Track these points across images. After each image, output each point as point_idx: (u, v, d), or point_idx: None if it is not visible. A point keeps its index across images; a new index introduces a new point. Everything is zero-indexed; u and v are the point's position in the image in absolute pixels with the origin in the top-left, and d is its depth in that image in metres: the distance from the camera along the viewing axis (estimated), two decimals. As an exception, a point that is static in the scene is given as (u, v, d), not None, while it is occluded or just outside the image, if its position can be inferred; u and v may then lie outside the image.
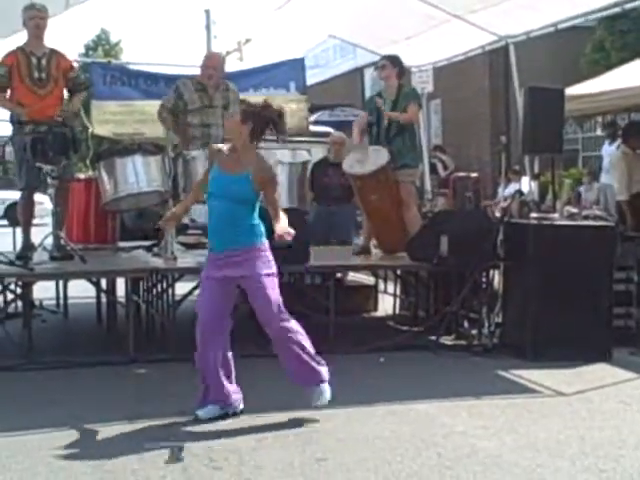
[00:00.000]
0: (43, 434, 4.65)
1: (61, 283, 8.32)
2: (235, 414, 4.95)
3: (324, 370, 5.01)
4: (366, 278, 9.24)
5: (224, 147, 5.08)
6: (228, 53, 26.12)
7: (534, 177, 10.91)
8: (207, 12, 31.25)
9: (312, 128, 11.48)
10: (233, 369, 4.99)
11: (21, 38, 7.23)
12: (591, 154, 17.91)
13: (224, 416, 4.91)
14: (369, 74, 24.28)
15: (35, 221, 7.28)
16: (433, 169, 14.46)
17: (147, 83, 10.20)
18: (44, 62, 7.02)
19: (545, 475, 4.16)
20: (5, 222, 18.74)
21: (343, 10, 10.03)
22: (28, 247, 7.01)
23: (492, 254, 6.91)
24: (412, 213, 7.69)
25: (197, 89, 7.51)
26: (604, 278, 6.68)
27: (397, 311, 8.52)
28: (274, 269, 4.91)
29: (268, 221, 4.96)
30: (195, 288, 6.30)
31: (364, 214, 8.01)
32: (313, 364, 4.96)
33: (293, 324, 4.91)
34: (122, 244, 8.18)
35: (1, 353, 6.21)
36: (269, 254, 4.91)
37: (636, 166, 8.50)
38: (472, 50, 10.39)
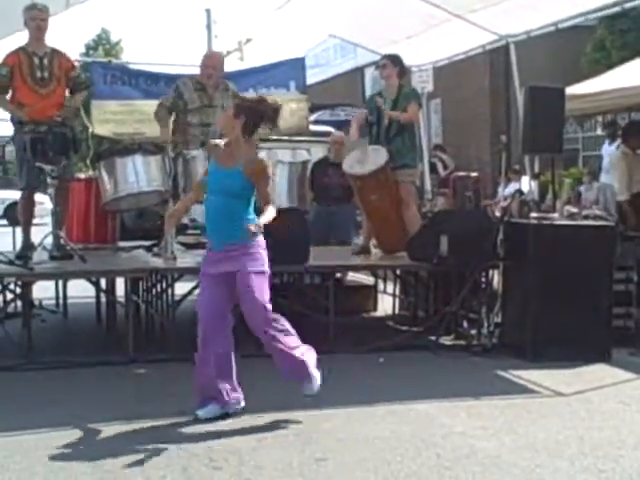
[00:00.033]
0: (42, 434, 4.66)
1: (61, 283, 8.32)
2: (235, 414, 4.95)
3: (312, 358, 5.01)
4: (366, 278, 9.24)
5: (221, 142, 5.10)
6: (229, 53, 26.15)
7: (534, 177, 10.89)
8: (208, 11, 31.27)
9: (312, 128, 11.46)
10: (234, 368, 4.98)
11: (22, 37, 7.25)
12: (591, 154, 17.89)
13: (224, 416, 4.91)
14: (369, 73, 24.28)
15: (35, 221, 7.28)
16: (433, 169, 14.44)
17: (147, 83, 10.19)
18: (46, 62, 7.03)
19: (544, 475, 4.16)
20: (5, 222, 18.74)
21: (343, 9, 10.03)
22: (28, 247, 7.02)
23: (492, 254, 6.91)
24: (412, 213, 7.70)
25: (197, 89, 7.52)
26: (604, 278, 6.68)
27: (397, 311, 8.53)
28: (266, 267, 4.90)
29: None
30: (195, 288, 6.30)
31: (364, 214, 8.01)
32: (303, 359, 4.96)
33: (279, 325, 4.90)
34: (122, 244, 8.19)
35: (1, 353, 6.21)
36: (263, 252, 4.91)
37: (636, 166, 8.49)
38: (472, 49, 10.38)
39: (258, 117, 4.96)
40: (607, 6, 8.20)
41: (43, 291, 7.98)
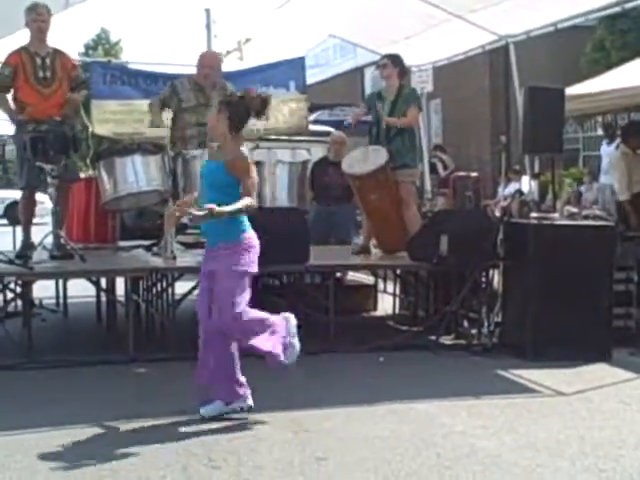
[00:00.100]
0: (43, 433, 4.65)
1: (61, 282, 8.32)
2: (238, 412, 4.92)
3: (283, 339, 4.95)
4: (366, 278, 9.24)
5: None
6: (228, 52, 26.10)
7: (534, 177, 10.89)
8: (207, 11, 31.30)
9: (312, 127, 11.45)
10: (237, 366, 4.93)
11: (23, 36, 7.26)
12: (591, 154, 17.90)
13: (227, 414, 4.89)
14: (369, 73, 24.29)
15: (35, 220, 7.29)
16: (433, 169, 14.45)
17: (147, 82, 10.17)
18: (48, 62, 7.04)
19: (545, 475, 4.16)
20: (5, 221, 18.74)
21: (343, 9, 10.04)
22: (28, 246, 7.01)
23: (492, 254, 6.91)
24: (412, 212, 7.69)
25: (194, 88, 7.55)
26: (604, 278, 6.68)
27: (397, 311, 8.52)
28: (248, 268, 4.83)
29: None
30: (195, 287, 6.29)
31: (364, 214, 8.01)
32: (275, 351, 4.91)
33: (245, 327, 4.83)
34: (122, 243, 8.19)
35: (1, 352, 6.21)
36: (250, 252, 4.85)
37: (636, 166, 8.50)
38: (472, 50, 10.39)
39: (243, 112, 4.92)
40: (607, 6, 8.21)
41: (43, 290, 7.98)
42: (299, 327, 5.09)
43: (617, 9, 8.29)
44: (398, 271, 8.25)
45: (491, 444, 4.58)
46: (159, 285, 7.28)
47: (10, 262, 6.47)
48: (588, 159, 18.50)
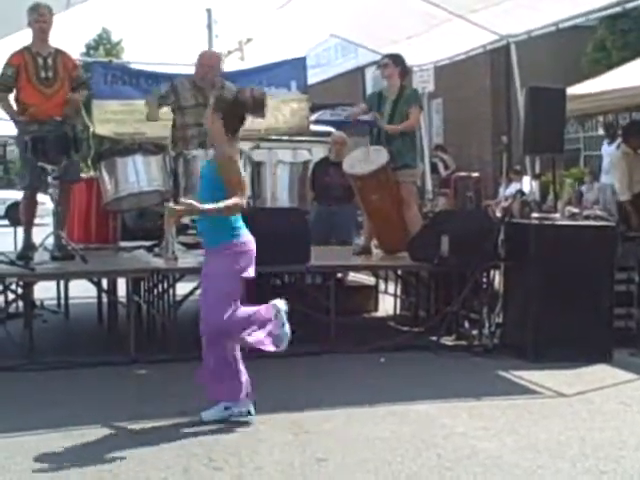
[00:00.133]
0: (43, 435, 4.65)
1: (62, 283, 8.31)
2: (241, 415, 4.90)
3: (271, 332, 4.94)
4: (367, 278, 9.24)
5: None
6: (229, 52, 26.05)
7: (535, 177, 10.88)
8: (209, 11, 31.30)
9: (313, 127, 11.45)
10: (239, 366, 4.90)
11: (25, 36, 7.26)
12: (593, 154, 17.88)
13: (228, 417, 4.88)
14: (370, 73, 24.28)
15: (36, 221, 7.29)
16: (434, 169, 14.45)
17: (148, 82, 10.17)
18: (50, 62, 7.05)
19: (545, 476, 4.16)
20: (6, 222, 18.74)
21: (344, 9, 10.03)
22: (29, 247, 7.02)
23: (493, 254, 6.91)
24: (413, 213, 7.69)
25: (193, 88, 7.57)
26: (605, 279, 6.68)
27: (398, 311, 8.52)
28: (236, 270, 4.77)
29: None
30: (196, 288, 6.30)
31: (365, 214, 8.01)
32: (265, 344, 4.91)
33: (231, 328, 4.80)
34: (123, 244, 8.19)
35: (2, 353, 6.21)
36: (240, 254, 4.80)
37: (637, 166, 8.50)
38: (473, 49, 10.38)
39: (236, 113, 4.87)
40: (608, 6, 8.20)
41: (44, 291, 7.99)
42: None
43: (618, 9, 8.27)
44: (399, 272, 8.25)
45: (492, 445, 4.58)
46: (160, 286, 7.28)
47: (11, 263, 6.47)
48: (589, 159, 18.48)
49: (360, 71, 25.89)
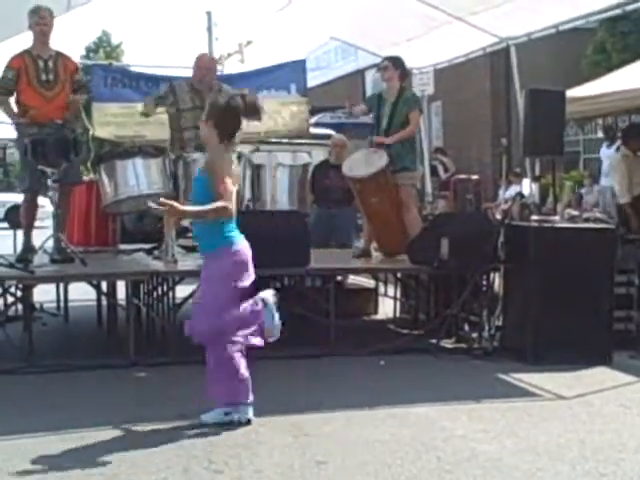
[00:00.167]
0: (42, 437, 4.65)
1: (62, 286, 8.31)
2: (241, 418, 4.88)
3: (260, 327, 4.95)
4: (366, 281, 9.24)
5: None
6: (229, 55, 26.15)
7: (535, 179, 10.88)
8: (208, 14, 31.35)
9: (313, 130, 11.46)
10: (240, 367, 4.85)
11: (26, 38, 7.27)
12: (592, 156, 17.88)
13: (229, 420, 4.86)
14: (370, 76, 24.29)
15: (36, 223, 7.29)
16: (434, 171, 14.46)
17: (148, 85, 10.18)
18: (51, 64, 7.06)
19: (545, 479, 4.15)
20: (5, 225, 18.73)
21: (344, 12, 10.04)
22: (29, 250, 7.02)
23: (493, 257, 6.91)
24: (412, 215, 7.69)
25: (191, 90, 7.59)
26: (605, 281, 6.68)
27: (397, 314, 8.52)
28: (227, 276, 4.75)
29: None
30: (195, 291, 6.29)
31: (364, 217, 8.01)
32: (255, 341, 4.92)
33: (227, 329, 4.79)
34: (123, 247, 8.19)
35: (1, 356, 6.20)
36: (234, 260, 4.78)
37: (636, 168, 8.50)
38: (473, 52, 10.38)
39: (229, 119, 4.85)
40: (608, 8, 8.20)
41: (44, 294, 7.99)
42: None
43: (618, 11, 8.27)
44: (399, 274, 8.25)
45: (492, 448, 4.57)
46: (160, 289, 7.28)
47: (11, 266, 6.47)
48: (589, 162, 18.49)
49: (360, 74, 25.91)
